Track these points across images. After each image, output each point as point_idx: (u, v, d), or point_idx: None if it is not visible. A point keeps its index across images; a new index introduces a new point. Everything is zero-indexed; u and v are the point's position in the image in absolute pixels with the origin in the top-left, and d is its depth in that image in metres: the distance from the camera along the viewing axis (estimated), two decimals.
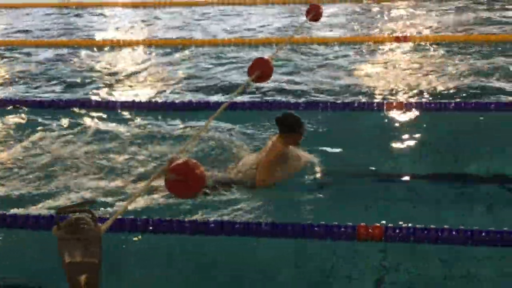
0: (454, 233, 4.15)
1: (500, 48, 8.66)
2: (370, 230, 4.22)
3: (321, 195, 4.98)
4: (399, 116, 6.46)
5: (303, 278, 4.10)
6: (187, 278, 4.09)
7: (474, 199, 4.83)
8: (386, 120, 6.42)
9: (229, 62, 8.80)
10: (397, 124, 6.35)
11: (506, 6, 11.12)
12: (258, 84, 6.75)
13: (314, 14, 6.51)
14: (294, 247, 4.32)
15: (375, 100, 6.95)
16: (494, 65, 7.97)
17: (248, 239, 4.33)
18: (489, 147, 5.68)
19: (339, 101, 6.88)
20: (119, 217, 2.82)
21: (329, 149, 5.66)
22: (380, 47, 9.16)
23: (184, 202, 4.70)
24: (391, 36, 9.63)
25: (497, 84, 7.32)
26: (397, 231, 4.21)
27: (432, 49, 8.89)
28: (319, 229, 4.30)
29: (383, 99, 7.02)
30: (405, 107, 6.59)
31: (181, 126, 6.41)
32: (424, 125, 6.28)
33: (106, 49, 9.89)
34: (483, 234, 4.13)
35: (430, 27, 10.26)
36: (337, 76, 7.96)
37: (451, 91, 7.18)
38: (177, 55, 9.30)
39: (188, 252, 4.35)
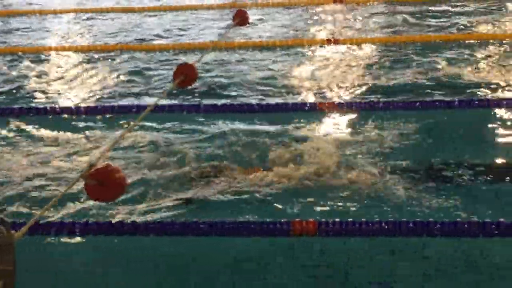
0: (383, 225, 4.34)
1: (426, 49, 8.97)
2: (304, 225, 4.37)
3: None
4: (331, 116, 6.65)
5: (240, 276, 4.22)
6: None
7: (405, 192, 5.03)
8: (318, 120, 6.59)
9: (165, 66, 8.85)
10: (329, 123, 6.53)
11: (430, 8, 11.50)
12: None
13: (241, 19, 6.63)
14: (228, 245, 4.43)
15: (309, 101, 7.13)
16: (421, 65, 8.27)
17: (184, 238, 4.42)
18: (415, 141, 5.95)
19: (272, 103, 7.05)
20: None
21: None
22: (313, 49, 9.35)
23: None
24: (323, 39, 9.84)
25: (426, 82, 7.61)
26: (331, 225, 4.37)
27: (362, 50, 9.14)
28: (254, 226, 4.42)
29: (316, 100, 7.21)
30: (337, 106, 6.79)
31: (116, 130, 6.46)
32: (355, 124, 6.48)
33: (38, 55, 9.78)
34: (411, 225, 4.32)
35: (360, 29, 10.52)
36: (270, 78, 8.11)
37: (381, 90, 7.45)
38: (114, 61, 9.29)
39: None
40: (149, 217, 4.73)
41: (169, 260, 4.36)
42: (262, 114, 6.71)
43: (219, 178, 5.34)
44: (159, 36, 10.82)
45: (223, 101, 7.24)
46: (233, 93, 7.65)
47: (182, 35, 10.81)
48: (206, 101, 7.23)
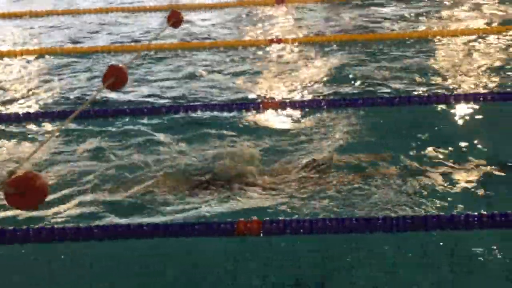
0: (328, 222, 4.37)
1: (369, 47, 9.08)
2: (248, 224, 4.36)
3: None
4: (275, 115, 6.67)
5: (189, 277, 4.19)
6: None
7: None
8: (263, 119, 6.60)
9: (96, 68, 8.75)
10: (273, 122, 6.54)
11: (373, 7, 11.65)
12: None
13: (175, 20, 6.58)
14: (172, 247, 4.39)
15: (253, 100, 7.13)
16: (364, 63, 8.38)
17: (125, 241, 4.36)
18: (360, 138, 6.02)
19: (215, 103, 7.03)
20: None
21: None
22: (255, 50, 9.36)
23: None
24: (265, 39, 9.85)
25: (371, 81, 7.71)
26: (274, 224, 4.37)
27: (306, 50, 9.19)
28: (199, 226, 4.39)
29: (260, 99, 7.21)
30: (280, 105, 6.82)
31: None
32: (301, 122, 6.53)
33: None
34: (354, 221, 4.36)
35: (303, 28, 10.59)
36: (213, 79, 8.09)
37: (325, 89, 7.52)
38: (55, 63, 9.13)
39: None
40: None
41: (111, 263, 4.30)
42: (208, 114, 6.69)
43: (163, 181, 5.29)
44: (93, 37, 10.68)
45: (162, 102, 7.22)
46: (174, 94, 7.60)
47: (118, 36, 10.70)
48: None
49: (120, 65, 4.31)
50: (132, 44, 10.10)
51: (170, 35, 9.93)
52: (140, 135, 6.34)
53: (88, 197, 5.13)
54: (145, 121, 6.67)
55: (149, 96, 7.57)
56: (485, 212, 4.32)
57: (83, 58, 9.36)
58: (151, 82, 8.11)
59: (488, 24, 10.07)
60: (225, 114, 6.72)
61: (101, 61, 9.11)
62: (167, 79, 8.19)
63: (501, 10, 10.89)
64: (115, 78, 4.22)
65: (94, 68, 8.84)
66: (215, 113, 6.74)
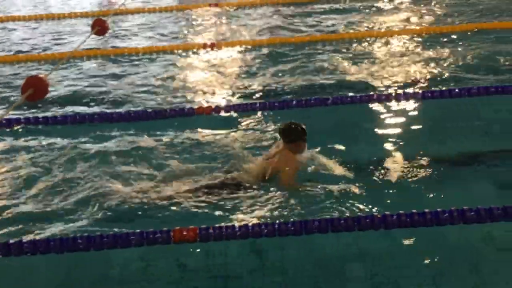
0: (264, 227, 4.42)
1: (301, 49, 9.19)
2: (185, 232, 4.36)
3: None
4: (211, 119, 6.69)
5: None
6: None
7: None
8: (197, 125, 6.59)
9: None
10: (208, 126, 6.53)
11: (306, 9, 11.78)
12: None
13: (99, 28, 6.52)
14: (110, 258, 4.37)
15: (187, 106, 7.10)
16: (297, 65, 8.49)
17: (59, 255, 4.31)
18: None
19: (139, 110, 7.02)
20: None
21: None
22: (190, 54, 9.34)
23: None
24: (200, 43, 9.83)
25: (304, 83, 7.83)
26: (211, 231, 4.39)
27: (241, 53, 9.24)
28: (135, 236, 4.37)
29: (194, 104, 7.21)
30: (214, 110, 6.85)
31: None
32: (234, 125, 6.56)
33: None
34: (290, 225, 4.43)
35: (237, 32, 10.63)
36: (146, 85, 8.06)
37: (259, 91, 7.61)
38: None
39: None
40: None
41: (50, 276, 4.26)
42: (136, 122, 6.66)
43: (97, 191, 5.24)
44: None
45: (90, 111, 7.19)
46: (104, 101, 7.57)
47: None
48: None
49: (40, 75, 4.24)
50: (55, 52, 9.93)
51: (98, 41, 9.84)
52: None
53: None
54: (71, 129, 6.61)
55: (75, 103, 7.49)
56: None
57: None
58: (76, 87, 8.02)
59: (416, 25, 10.35)
60: (159, 120, 6.70)
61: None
62: (88, 86, 8.13)
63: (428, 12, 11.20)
64: (34, 89, 4.14)
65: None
66: (150, 119, 6.71)
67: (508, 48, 8.59)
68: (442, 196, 4.99)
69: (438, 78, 7.66)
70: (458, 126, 6.30)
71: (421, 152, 5.66)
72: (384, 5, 11.78)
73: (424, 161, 5.53)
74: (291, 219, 4.60)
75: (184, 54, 9.37)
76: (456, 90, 6.89)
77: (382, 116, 6.63)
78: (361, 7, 11.73)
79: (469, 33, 9.46)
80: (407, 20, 10.73)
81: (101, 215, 4.89)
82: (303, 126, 5.31)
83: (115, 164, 5.71)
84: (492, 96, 6.70)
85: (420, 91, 6.99)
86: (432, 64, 8.16)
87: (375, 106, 6.81)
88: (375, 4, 11.87)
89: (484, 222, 4.38)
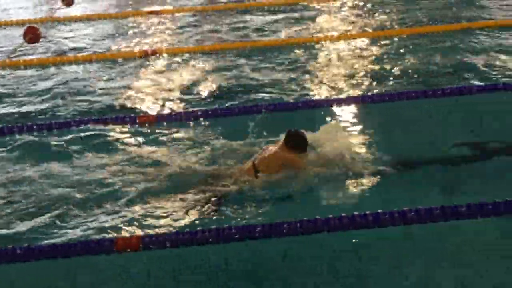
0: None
1: (239, 56, 9.24)
2: (127, 241, 4.34)
3: None
4: (151, 129, 6.66)
5: None
6: None
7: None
8: (137, 134, 6.56)
9: None
10: (149, 136, 6.52)
11: (239, 16, 11.83)
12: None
13: (32, 36, 6.49)
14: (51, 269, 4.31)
15: (128, 115, 7.05)
16: (236, 71, 8.55)
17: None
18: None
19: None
20: None
21: None
22: (129, 62, 9.27)
23: None
24: (140, 50, 9.76)
25: (242, 89, 7.90)
26: (154, 238, 4.38)
27: (184, 60, 9.22)
28: (77, 244, 4.34)
29: (136, 112, 7.19)
30: (157, 119, 6.83)
31: None
32: (197, 131, 6.57)
33: None
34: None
35: (175, 39, 10.60)
36: (87, 93, 7.98)
37: (198, 98, 7.66)
38: None
39: None
40: None
41: None
42: (81, 129, 6.60)
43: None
44: None
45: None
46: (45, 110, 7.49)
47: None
48: None
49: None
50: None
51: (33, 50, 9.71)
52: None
53: None
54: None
55: (13, 113, 7.41)
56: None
57: None
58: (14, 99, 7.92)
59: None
60: (100, 128, 6.64)
61: None
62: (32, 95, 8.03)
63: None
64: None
65: None
66: (90, 127, 6.64)
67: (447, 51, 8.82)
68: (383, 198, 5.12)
69: (375, 82, 7.82)
70: (395, 129, 6.45)
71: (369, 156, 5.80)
72: (328, 10, 11.92)
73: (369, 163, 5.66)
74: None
75: (124, 62, 9.28)
76: (393, 93, 7.09)
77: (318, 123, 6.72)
78: (305, 12, 11.82)
79: (406, 37, 9.66)
80: (344, 25, 10.89)
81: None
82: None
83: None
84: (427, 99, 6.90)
85: (359, 95, 7.15)
86: (376, 67, 8.34)
87: (317, 112, 6.90)
88: (320, 8, 12.01)
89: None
